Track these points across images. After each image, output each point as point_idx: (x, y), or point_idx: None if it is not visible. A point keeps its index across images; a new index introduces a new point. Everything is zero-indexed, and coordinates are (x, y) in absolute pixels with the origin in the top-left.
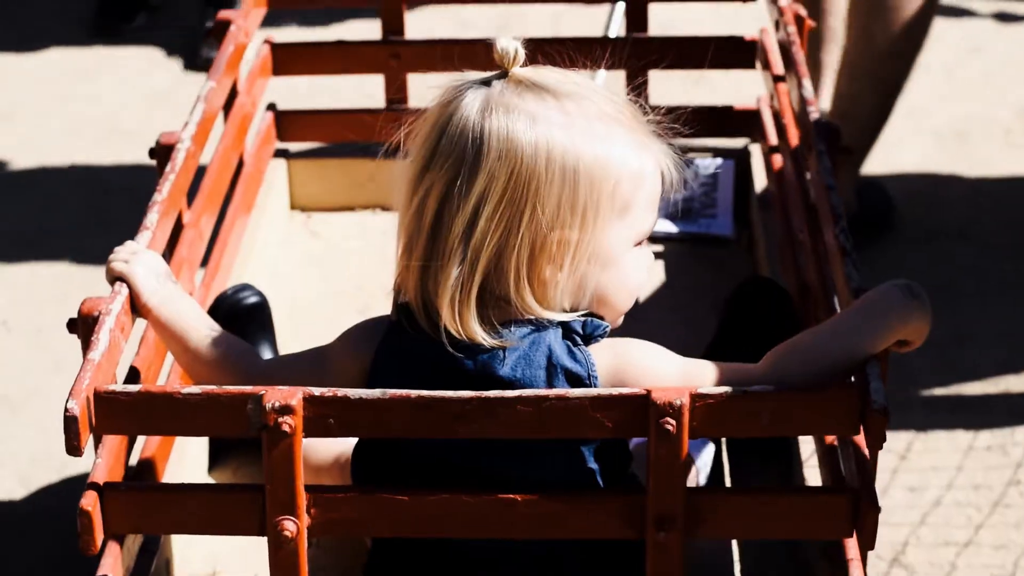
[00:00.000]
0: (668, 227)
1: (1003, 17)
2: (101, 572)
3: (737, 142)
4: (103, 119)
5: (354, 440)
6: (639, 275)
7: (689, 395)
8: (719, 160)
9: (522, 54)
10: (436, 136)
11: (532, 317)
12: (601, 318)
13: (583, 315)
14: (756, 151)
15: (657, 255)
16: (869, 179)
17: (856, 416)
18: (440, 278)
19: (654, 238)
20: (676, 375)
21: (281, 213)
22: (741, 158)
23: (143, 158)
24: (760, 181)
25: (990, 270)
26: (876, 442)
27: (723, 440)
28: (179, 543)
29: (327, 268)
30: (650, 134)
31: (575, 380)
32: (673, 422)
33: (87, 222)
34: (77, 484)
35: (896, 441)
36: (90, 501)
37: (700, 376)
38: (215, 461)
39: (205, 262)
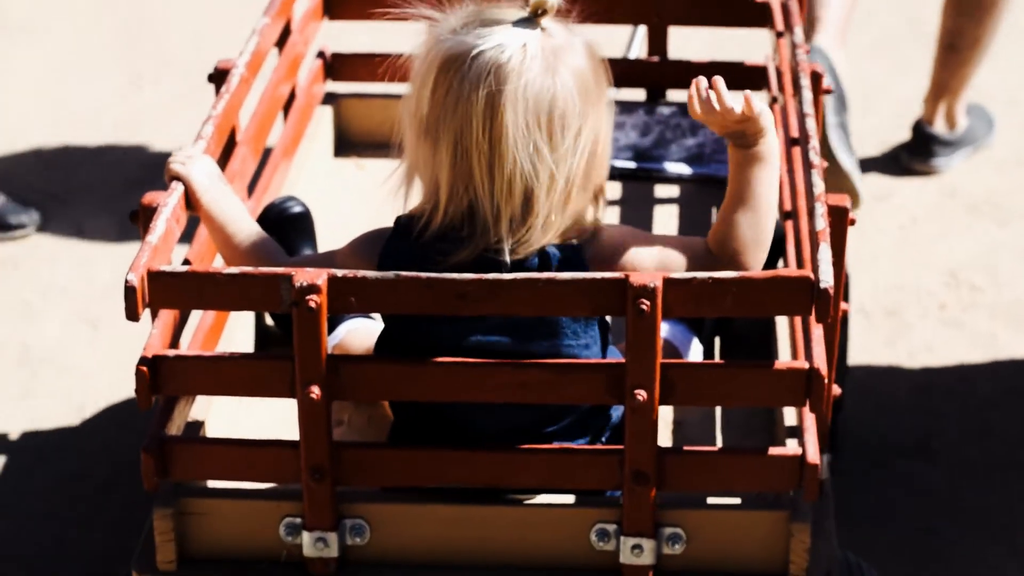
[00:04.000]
0: (683, 169)
1: (909, 171)
2: (155, 422)
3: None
4: None
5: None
6: None
7: (662, 279)
8: None
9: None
10: (514, 95)
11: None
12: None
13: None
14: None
15: (673, 197)
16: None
17: (807, 297)
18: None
19: (670, 179)
20: (652, 249)
21: (328, 149)
22: None
23: None
24: None
25: (966, 501)
26: (823, 318)
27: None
28: (224, 418)
29: (370, 195)
30: None
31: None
32: (648, 302)
33: None
34: None
35: None
36: (144, 365)
37: (660, 242)
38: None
39: (254, 183)
